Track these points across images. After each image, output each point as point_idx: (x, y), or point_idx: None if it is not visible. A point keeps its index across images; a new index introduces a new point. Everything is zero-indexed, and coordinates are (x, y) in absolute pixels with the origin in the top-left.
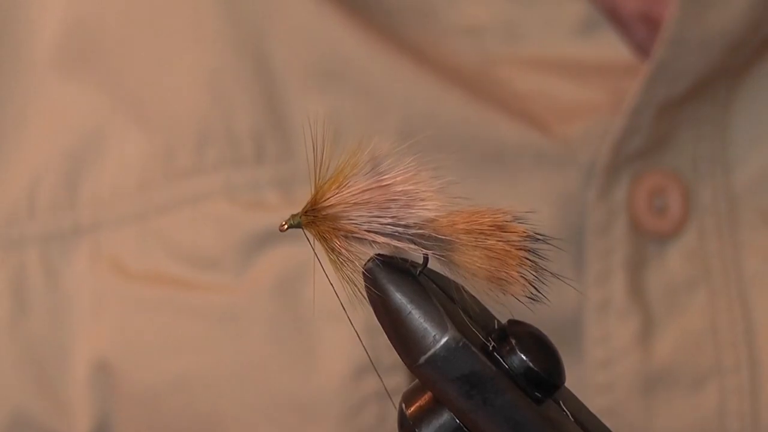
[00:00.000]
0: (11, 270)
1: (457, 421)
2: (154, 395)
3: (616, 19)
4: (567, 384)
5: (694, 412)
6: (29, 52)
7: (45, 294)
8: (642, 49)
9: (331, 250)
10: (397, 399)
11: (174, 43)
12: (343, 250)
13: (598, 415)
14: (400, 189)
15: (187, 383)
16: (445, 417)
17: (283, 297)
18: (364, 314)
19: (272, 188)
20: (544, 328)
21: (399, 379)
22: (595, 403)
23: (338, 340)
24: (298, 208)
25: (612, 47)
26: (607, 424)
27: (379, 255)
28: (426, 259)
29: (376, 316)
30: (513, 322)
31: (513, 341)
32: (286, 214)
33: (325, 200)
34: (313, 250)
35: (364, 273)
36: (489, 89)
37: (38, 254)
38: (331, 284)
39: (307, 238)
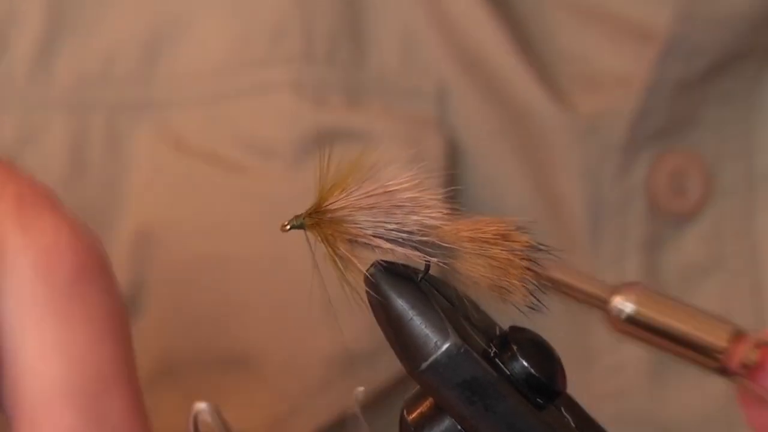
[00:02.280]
0: (74, 131)
1: (459, 427)
2: (190, 270)
3: None
4: (577, 368)
5: (703, 395)
6: None
7: (103, 159)
8: None
9: (334, 253)
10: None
11: None
12: (346, 254)
13: (599, 421)
14: (406, 196)
15: (223, 263)
16: (447, 423)
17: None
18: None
19: (339, 91)
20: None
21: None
22: (604, 386)
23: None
24: (361, 114)
25: (656, 3)
26: (615, 407)
27: (381, 261)
28: (427, 265)
29: (378, 321)
30: (514, 329)
31: (514, 347)
32: (348, 117)
33: (330, 203)
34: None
35: (366, 278)
36: (537, 41)
37: (104, 120)
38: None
39: (308, 241)
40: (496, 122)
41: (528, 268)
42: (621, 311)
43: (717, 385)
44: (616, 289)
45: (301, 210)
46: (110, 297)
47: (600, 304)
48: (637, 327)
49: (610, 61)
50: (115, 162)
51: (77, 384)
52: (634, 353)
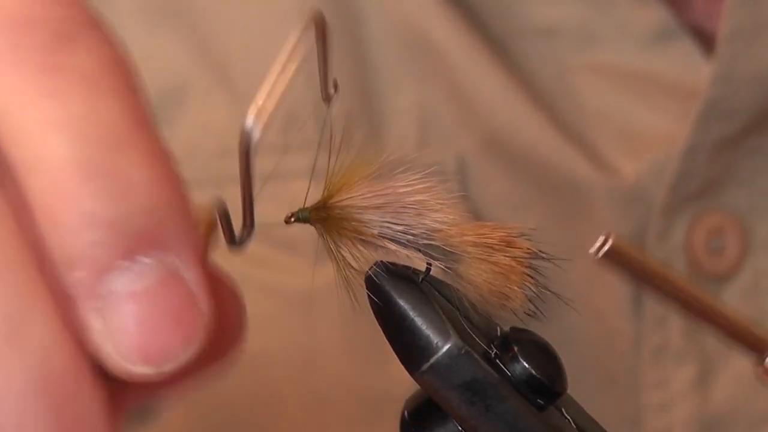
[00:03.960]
0: None
1: (460, 428)
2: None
3: (699, 30)
4: (622, 428)
5: None
6: None
7: None
8: None
9: (336, 250)
10: None
11: (268, 16)
12: (348, 252)
13: (600, 423)
14: (414, 198)
15: (253, 360)
16: (448, 424)
17: (361, 288)
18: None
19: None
20: (599, 372)
21: None
22: None
23: None
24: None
25: (689, 60)
26: None
27: (382, 261)
28: (429, 266)
29: (378, 322)
30: (515, 330)
31: (515, 348)
32: None
33: (337, 198)
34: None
35: (366, 279)
36: (564, 109)
37: None
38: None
39: (320, 234)
40: (520, 196)
41: (528, 275)
42: None
43: None
44: None
45: (331, 300)
46: (108, 48)
47: (756, 354)
48: None
49: (644, 121)
50: None
51: (88, 158)
52: (683, 415)
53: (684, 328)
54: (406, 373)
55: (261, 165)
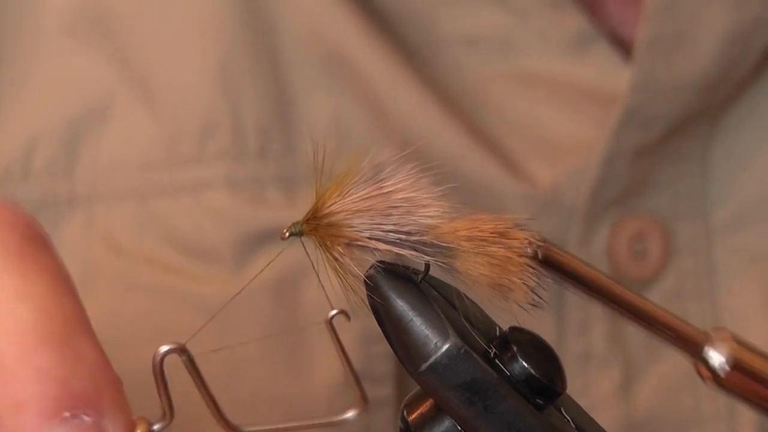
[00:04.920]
0: None
1: (459, 428)
2: (136, 380)
3: (616, 37)
4: None
5: None
6: (39, 12)
7: None
8: None
9: (332, 258)
10: (383, 410)
11: (187, 30)
12: (345, 258)
13: (600, 423)
14: (402, 196)
15: (174, 371)
16: (447, 424)
17: (280, 297)
18: (361, 323)
19: (274, 185)
20: None
21: (388, 390)
22: None
23: (331, 347)
24: (298, 207)
25: (608, 65)
26: None
27: (380, 262)
28: (427, 266)
29: (378, 323)
30: (514, 329)
31: (514, 348)
32: (287, 213)
33: (326, 207)
34: (309, 257)
35: (365, 280)
36: (484, 117)
37: None
38: (326, 294)
39: (304, 248)
40: None
41: (528, 265)
42: (717, 359)
43: None
44: (710, 336)
45: (249, 308)
46: (58, 260)
47: (691, 350)
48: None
49: (563, 129)
50: None
51: (48, 328)
52: (606, 421)
53: (606, 333)
54: (326, 380)
55: (178, 177)
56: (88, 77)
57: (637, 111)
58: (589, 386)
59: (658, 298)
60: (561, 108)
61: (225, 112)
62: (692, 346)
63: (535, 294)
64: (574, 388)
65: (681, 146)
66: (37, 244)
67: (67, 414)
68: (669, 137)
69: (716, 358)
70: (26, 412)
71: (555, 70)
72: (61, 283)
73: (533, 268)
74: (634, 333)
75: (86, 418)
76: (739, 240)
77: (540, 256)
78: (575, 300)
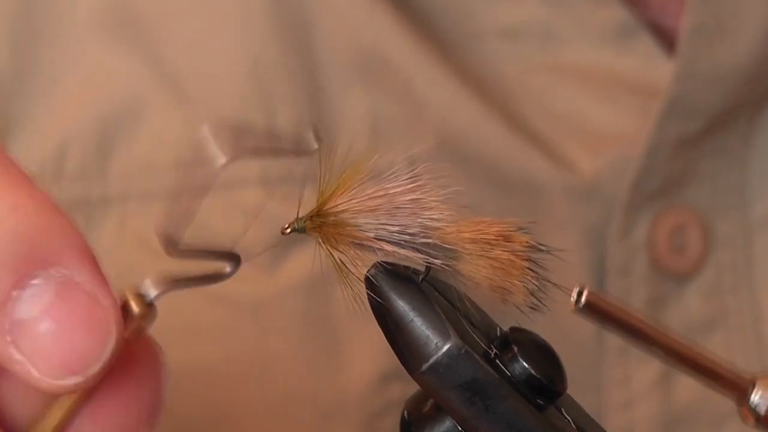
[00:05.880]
0: None
1: (459, 428)
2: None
3: (658, 27)
4: None
5: None
6: (71, 12)
7: None
8: None
9: (334, 255)
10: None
11: (220, 27)
12: (347, 257)
13: (600, 423)
14: (407, 197)
15: (205, 370)
16: (447, 424)
17: (313, 296)
18: None
19: (309, 182)
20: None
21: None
22: None
23: (366, 344)
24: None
25: (650, 56)
26: None
27: (381, 262)
28: (428, 266)
29: (378, 323)
30: (515, 329)
31: (515, 348)
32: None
33: (331, 205)
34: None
35: (366, 280)
36: (524, 109)
37: None
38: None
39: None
40: (472, 195)
41: (529, 269)
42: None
43: None
44: (756, 380)
45: (281, 307)
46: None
47: (737, 395)
48: None
49: (605, 120)
50: None
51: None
52: (646, 413)
53: None
54: (358, 380)
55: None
56: (120, 77)
57: (680, 101)
58: (629, 378)
59: (697, 292)
60: (602, 99)
61: (258, 110)
62: (738, 391)
63: (536, 297)
64: (614, 380)
65: (721, 140)
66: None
67: (15, 291)
68: (710, 131)
69: (762, 404)
70: None
71: (596, 61)
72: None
73: (535, 272)
74: (673, 324)
75: (36, 281)
76: None
77: (582, 303)
78: (615, 290)
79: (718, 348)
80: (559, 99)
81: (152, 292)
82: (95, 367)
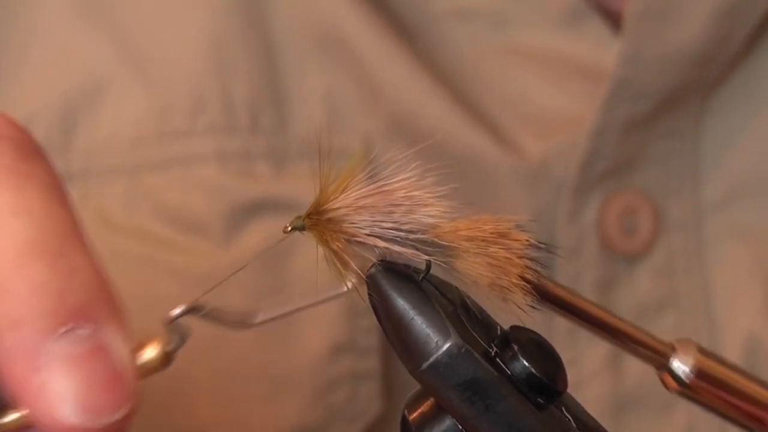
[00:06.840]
0: None
1: (460, 427)
2: None
3: (608, 11)
4: None
5: None
6: None
7: None
8: None
9: (333, 253)
10: (369, 382)
11: (180, 5)
12: (345, 254)
13: (600, 422)
14: (404, 194)
15: None
16: (448, 423)
17: (267, 269)
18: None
19: (264, 160)
20: None
21: (373, 362)
22: None
23: (318, 317)
24: (287, 182)
25: (599, 40)
26: None
27: (381, 261)
28: (428, 265)
29: (379, 321)
30: (515, 328)
31: (515, 347)
32: (276, 187)
33: (328, 203)
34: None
35: (366, 279)
36: (478, 91)
37: None
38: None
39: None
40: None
41: (528, 267)
42: (682, 369)
43: (678, 422)
44: (675, 347)
45: (234, 280)
46: (53, 171)
47: (659, 360)
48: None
49: (554, 103)
50: None
51: (43, 241)
52: (596, 393)
53: None
54: (309, 351)
55: (168, 151)
56: (85, 54)
57: (626, 84)
58: (577, 360)
59: (647, 273)
60: (552, 82)
61: (215, 87)
62: (659, 358)
63: (534, 295)
64: (564, 361)
65: (672, 123)
66: (32, 156)
67: (63, 329)
68: (660, 113)
69: (681, 368)
70: (23, 329)
71: (547, 44)
72: (56, 195)
73: (533, 269)
74: (622, 307)
75: (82, 331)
76: (729, 216)
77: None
78: (564, 272)
79: (669, 329)
80: (512, 82)
81: (176, 341)
82: (97, 422)
